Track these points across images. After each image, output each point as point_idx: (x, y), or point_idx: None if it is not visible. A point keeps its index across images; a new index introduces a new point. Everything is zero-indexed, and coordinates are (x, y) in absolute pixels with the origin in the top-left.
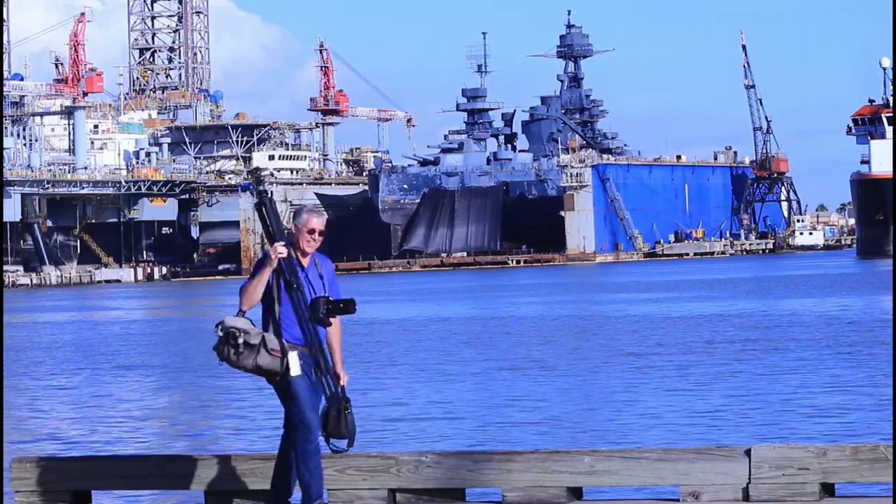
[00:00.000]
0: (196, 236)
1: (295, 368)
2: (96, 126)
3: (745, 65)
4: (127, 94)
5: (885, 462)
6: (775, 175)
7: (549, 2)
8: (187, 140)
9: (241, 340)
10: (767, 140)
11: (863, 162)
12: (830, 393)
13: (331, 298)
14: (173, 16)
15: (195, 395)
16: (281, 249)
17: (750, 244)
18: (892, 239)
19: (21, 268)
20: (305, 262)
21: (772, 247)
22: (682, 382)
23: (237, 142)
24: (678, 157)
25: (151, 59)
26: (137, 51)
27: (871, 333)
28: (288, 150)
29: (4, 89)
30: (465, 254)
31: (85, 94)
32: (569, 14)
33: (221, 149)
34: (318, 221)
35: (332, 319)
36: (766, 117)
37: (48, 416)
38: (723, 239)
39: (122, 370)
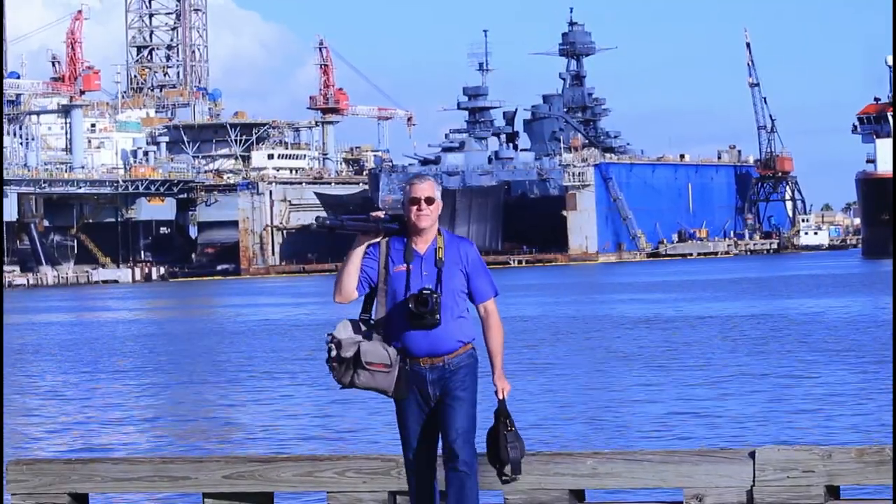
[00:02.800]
0: (194, 236)
1: (394, 387)
2: (93, 125)
3: (750, 63)
4: (124, 92)
5: (890, 464)
6: (780, 174)
7: None
8: (185, 139)
9: (332, 353)
10: (772, 139)
11: (868, 161)
12: (834, 395)
13: (427, 292)
14: (171, 13)
15: (194, 396)
16: (376, 214)
17: (754, 244)
18: (893, 239)
19: (17, 268)
20: (422, 246)
21: (776, 247)
22: (685, 384)
23: (236, 141)
24: (681, 157)
25: (149, 58)
26: (135, 49)
27: (878, 334)
28: (287, 149)
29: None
30: None
31: (82, 92)
32: (571, 12)
33: (220, 148)
34: (423, 188)
35: (488, 313)
36: (771, 116)
37: (45, 417)
38: (727, 239)
39: (120, 371)
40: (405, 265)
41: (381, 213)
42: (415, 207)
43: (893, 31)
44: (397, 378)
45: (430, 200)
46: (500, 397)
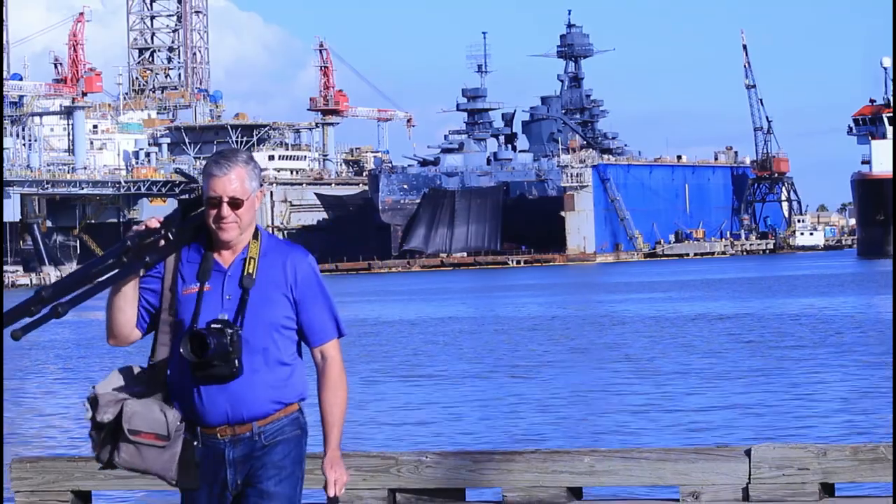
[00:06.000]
0: None
1: (175, 471)
2: (95, 126)
3: (746, 64)
4: (126, 94)
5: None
6: (776, 175)
7: (549, 1)
8: (187, 140)
9: (88, 415)
10: (768, 140)
11: (863, 162)
12: (831, 392)
13: (215, 327)
14: (172, 16)
15: None
16: (149, 223)
17: (750, 244)
18: (892, 239)
19: (20, 268)
20: (227, 257)
21: (772, 247)
22: (682, 382)
23: (237, 142)
24: (678, 158)
25: (151, 59)
26: (137, 51)
27: (875, 332)
28: (288, 150)
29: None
30: (465, 254)
31: (84, 94)
32: (569, 14)
33: (221, 149)
34: (225, 181)
35: (327, 361)
36: (767, 117)
37: (48, 415)
38: (723, 239)
39: None
40: (198, 285)
41: (153, 223)
42: (214, 212)
43: (893, 33)
44: (181, 457)
45: (236, 203)
46: (331, 494)
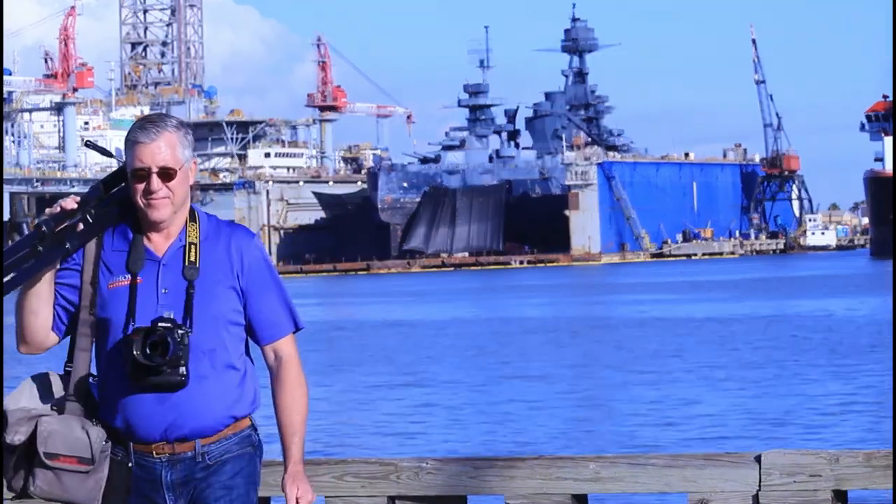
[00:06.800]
0: None
1: (100, 499)
2: (87, 122)
3: (755, 59)
4: (118, 89)
5: None
6: (786, 173)
7: None
8: None
9: None
10: (778, 137)
11: (876, 160)
12: (844, 398)
13: (165, 327)
14: (166, 9)
15: None
16: (64, 203)
17: (760, 244)
18: (892, 239)
19: None
20: (161, 242)
21: (783, 247)
22: (691, 387)
23: (232, 139)
24: (686, 155)
25: (144, 54)
26: (129, 45)
27: (888, 335)
28: (284, 147)
29: None
30: (466, 254)
31: (75, 89)
32: (573, 7)
33: (216, 146)
34: (153, 148)
35: (282, 361)
36: (777, 113)
37: None
38: (732, 239)
39: None
40: (128, 277)
41: (69, 203)
42: (141, 186)
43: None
44: (108, 481)
45: (168, 174)
46: None
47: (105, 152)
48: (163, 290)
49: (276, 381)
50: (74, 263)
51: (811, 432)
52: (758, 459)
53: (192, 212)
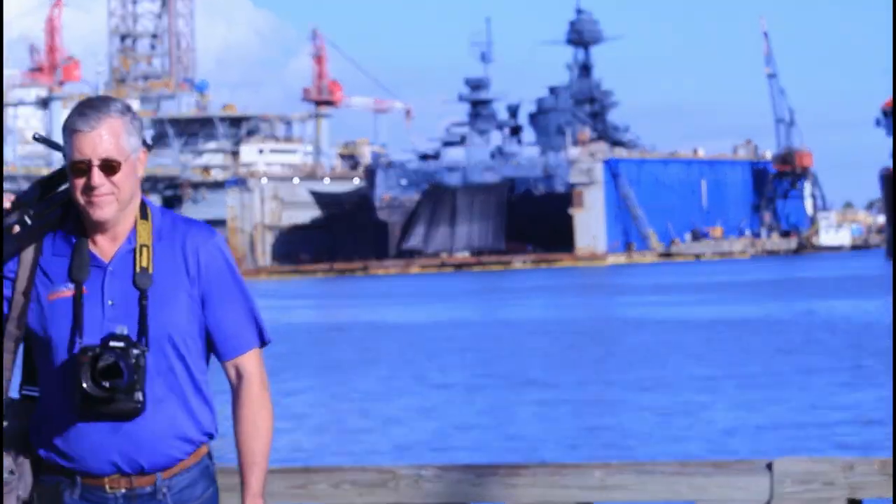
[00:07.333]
0: None
1: None
2: None
3: (767, 52)
4: (106, 83)
5: None
6: (799, 170)
7: None
8: (171, 133)
9: None
10: (790, 133)
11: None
12: (858, 404)
13: (118, 347)
14: (156, 0)
15: None
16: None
17: (772, 244)
18: (891, 238)
19: None
20: (107, 245)
21: (795, 247)
22: (700, 392)
23: (224, 135)
24: (695, 151)
25: (133, 47)
26: (118, 37)
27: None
28: (279, 143)
29: None
30: (467, 254)
31: (62, 83)
32: None
33: (208, 142)
34: (94, 137)
35: (244, 378)
36: (790, 108)
37: None
38: (743, 238)
39: None
40: (71, 287)
41: (5, 202)
42: (81, 182)
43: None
44: None
45: (111, 167)
46: None
47: (57, 147)
48: (108, 302)
49: (237, 401)
50: (9, 271)
51: (825, 439)
52: (769, 467)
53: (143, 207)
